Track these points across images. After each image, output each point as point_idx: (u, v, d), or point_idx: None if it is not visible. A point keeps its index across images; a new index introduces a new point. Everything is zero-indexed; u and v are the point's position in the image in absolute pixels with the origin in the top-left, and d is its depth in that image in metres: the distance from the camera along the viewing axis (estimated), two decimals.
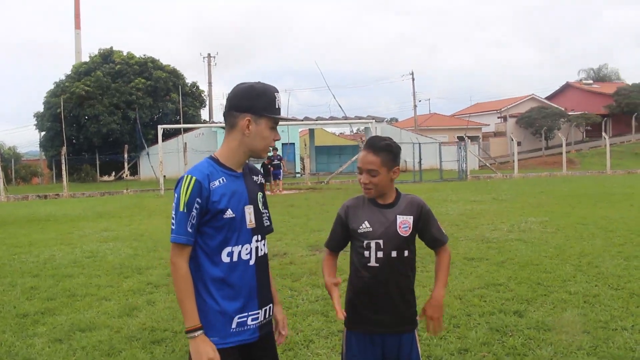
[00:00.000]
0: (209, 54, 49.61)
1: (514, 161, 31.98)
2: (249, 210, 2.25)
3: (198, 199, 2.11)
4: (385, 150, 2.54)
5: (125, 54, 41.75)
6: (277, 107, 2.25)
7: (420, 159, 29.48)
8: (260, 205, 2.34)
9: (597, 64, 75.88)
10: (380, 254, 2.52)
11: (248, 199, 2.26)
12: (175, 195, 2.14)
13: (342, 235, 2.65)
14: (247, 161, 2.31)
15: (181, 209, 2.10)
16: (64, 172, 26.76)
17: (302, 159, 38.87)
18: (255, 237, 2.26)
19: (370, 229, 2.54)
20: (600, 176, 27.75)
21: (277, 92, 2.27)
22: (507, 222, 10.70)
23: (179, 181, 2.16)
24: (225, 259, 2.17)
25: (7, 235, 11.63)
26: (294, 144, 40.35)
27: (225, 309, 2.17)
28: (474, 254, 7.65)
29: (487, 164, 35.95)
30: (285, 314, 2.56)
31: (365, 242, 2.54)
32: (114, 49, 41.79)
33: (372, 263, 2.53)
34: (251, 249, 2.24)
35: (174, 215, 2.13)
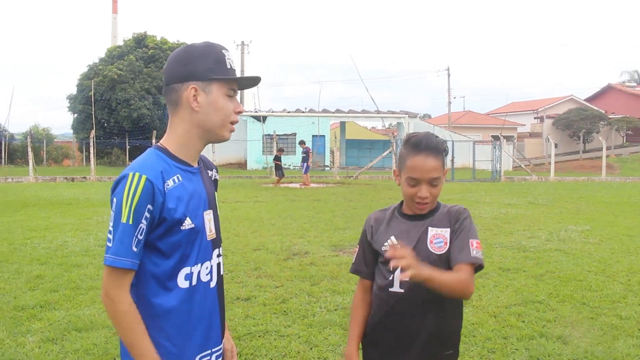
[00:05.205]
0: (242, 42, 49.29)
1: (550, 163, 30.86)
2: (208, 217, 1.73)
3: (149, 206, 1.55)
4: (445, 150, 1.96)
5: (158, 39, 41.69)
6: (229, 67, 1.70)
7: (453, 157, 28.63)
8: (217, 209, 1.83)
9: None
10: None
11: (207, 201, 1.74)
12: (115, 200, 1.56)
13: (370, 255, 2.08)
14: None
15: (124, 220, 1.53)
16: (92, 155, 26.79)
17: (332, 152, 38.36)
18: (215, 252, 1.76)
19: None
20: None
21: (226, 50, 1.72)
22: (544, 229, 10.01)
23: (119, 181, 1.58)
24: (182, 283, 1.64)
25: (27, 217, 11.43)
26: (324, 136, 39.84)
27: (183, 350, 1.65)
28: (509, 264, 7.03)
29: (522, 165, 34.84)
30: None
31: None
32: (148, 33, 41.77)
33: (396, 288, 1.95)
34: (211, 267, 1.73)
35: (112, 229, 1.55)
